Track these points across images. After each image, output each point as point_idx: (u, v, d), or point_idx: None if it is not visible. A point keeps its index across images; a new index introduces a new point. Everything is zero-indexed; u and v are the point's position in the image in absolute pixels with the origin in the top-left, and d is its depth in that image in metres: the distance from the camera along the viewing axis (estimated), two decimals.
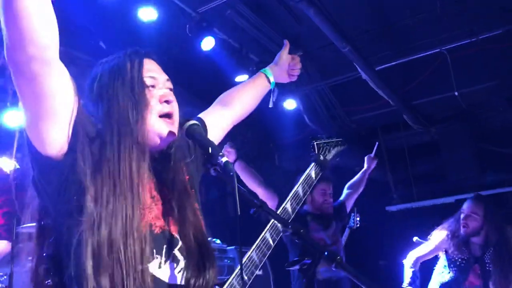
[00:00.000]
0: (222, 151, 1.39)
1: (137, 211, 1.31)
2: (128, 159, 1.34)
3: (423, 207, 7.53)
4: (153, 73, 1.52)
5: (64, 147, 1.27)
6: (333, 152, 2.38)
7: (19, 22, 1.14)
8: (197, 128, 1.46)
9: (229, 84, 5.60)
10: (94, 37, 4.71)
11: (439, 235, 4.13)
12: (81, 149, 1.29)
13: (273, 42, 5.42)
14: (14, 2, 1.12)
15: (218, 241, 5.93)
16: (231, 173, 1.32)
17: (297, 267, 1.28)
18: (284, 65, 2.20)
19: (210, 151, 1.38)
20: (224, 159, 1.34)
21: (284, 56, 2.21)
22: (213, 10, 4.64)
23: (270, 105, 2.14)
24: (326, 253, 1.19)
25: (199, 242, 1.44)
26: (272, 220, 1.76)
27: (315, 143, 2.34)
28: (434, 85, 6.28)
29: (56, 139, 1.26)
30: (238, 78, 5.39)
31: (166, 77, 1.56)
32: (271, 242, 1.72)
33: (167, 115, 1.48)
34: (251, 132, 7.31)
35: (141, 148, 1.39)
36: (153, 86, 1.49)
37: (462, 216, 3.99)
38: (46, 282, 1.32)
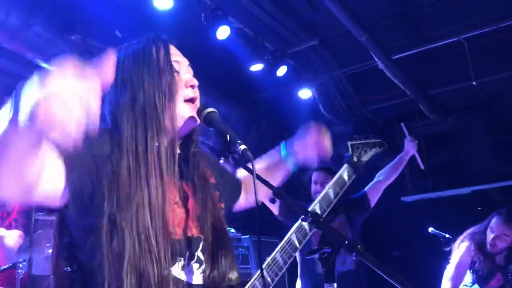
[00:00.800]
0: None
1: (166, 204, 1.28)
2: (157, 146, 1.31)
3: (439, 198, 7.46)
4: (177, 57, 1.49)
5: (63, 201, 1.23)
6: (370, 153, 2.27)
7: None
8: (215, 115, 1.43)
9: (243, 73, 5.64)
10: (110, 26, 4.72)
11: (463, 248, 4.05)
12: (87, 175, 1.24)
13: (289, 31, 5.38)
14: None
15: (232, 230, 5.97)
16: (250, 161, 1.30)
17: (316, 256, 1.26)
18: (308, 147, 1.89)
19: (228, 138, 1.35)
20: (242, 147, 1.32)
21: (308, 136, 1.90)
22: None
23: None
24: (346, 241, 1.16)
25: (217, 232, 1.43)
26: (299, 221, 1.72)
27: (349, 143, 2.23)
28: (452, 75, 6.19)
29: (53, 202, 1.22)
30: (253, 67, 5.37)
31: (188, 62, 1.53)
32: (297, 244, 1.68)
33: (191, 100, 1.45)
34: (266, 122, 7.30)
35: (170, 136, 1.37)
36: (178, 71, 1.46)
37: (491, 234, 3.92)
38: (65, 269, 1.29)
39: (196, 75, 1.52)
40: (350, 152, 2.20)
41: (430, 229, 4.91)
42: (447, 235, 4.83)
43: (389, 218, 7.19)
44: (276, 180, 1.85)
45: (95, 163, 1.25)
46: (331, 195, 1.95)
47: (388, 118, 7.43)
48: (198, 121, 1.45)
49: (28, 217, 4.78)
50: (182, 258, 1.33)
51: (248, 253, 6.08)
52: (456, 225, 4.80)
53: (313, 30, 5.57)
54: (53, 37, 4.23)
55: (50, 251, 3.86)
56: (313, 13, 5.18)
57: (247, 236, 5.96)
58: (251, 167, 1.30)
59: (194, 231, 1.39)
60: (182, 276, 1.32)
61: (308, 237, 1.71)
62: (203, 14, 4.53)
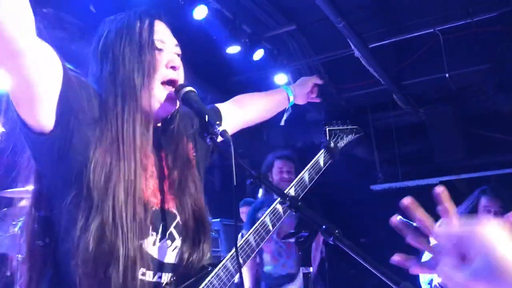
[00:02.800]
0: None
1: (140, 179, 1.29)
2: (132, 124, 1.30)
3: (408, 187, 7.61)
4: (162, 36, 1.44)
5: (51, 122, 1.21)
6: (346, 139, 2.29)
7: None
8: (193, 95, 1.39)
9: (220, 55, 5.58)
10: (84, 1, 4.59)
11: None
12: (75, 125, 1.24)
13: (267, 14, 5.34)
14: None
15: None
16: (228, 142, 1.28)
17: (293, 239, 1.26)
18: (306, 89, 2.20)
19: (207, 119, 1.33)
20: (221, 128, 1.30)
21: (310, 82, 2.22)
22: None
23: (282, 123, 2.12)
24: (324, 226, 1.16)
25: (197, 216, 1.42)
26: (273, 205, 1.73)
27: (327, 128, 2.25)
28: (426, 66, 6.27)
29: (45, 117, 1.20)
30: (230, 49, 5.31)
31: (175, 41, 1.49)
32: (270, 227, 1.69)
33: (171, 82, 1.42)
34: None
35: (146, 115, 1.36)
36: (161, 50, 1.42)
37: (488, 212, 3.99)
38: (38, 242, 1.29)
39: None
40: (327, 138, 2.22)
41: (398, 218, 5.01)
42: (414, 224, 4.94)
43: (359, 205, 7.32)
44: (271, 111, 2.06)
45: (83, 114, 1.27)
46: (307, 180, 1.96)
47: (361, 106, 7.50)
48: (177, 105, 1.43)
49: None
50: (155, 233, 1.33)
51: (218, 237, 6.10)
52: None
53: (291, 14, 5.54)
54: None
55: (16, 229, 3.79)
56: None
57: (218, 219, 5.97)
58: (230, 148, 1.29)
59: (170, 205, 1.39)
60: (153, 251, 1.32)
61: (282, 220, 1.72)
62: None
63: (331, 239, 1.16)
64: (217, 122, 1.32)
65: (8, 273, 4.07)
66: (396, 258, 0.94)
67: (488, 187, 4.10)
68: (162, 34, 1.45)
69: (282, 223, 1.74)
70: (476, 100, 6.89)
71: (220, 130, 1.30)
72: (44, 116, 1.20)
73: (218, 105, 1.79)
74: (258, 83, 6.51)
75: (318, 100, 2.28)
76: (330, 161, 2.12)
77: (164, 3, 4.58)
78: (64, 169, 1.24)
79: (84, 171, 1.22)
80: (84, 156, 1.23)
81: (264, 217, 1.70)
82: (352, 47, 5.51)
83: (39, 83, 1.16)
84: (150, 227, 1.30)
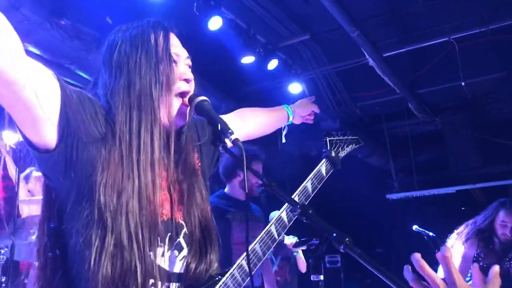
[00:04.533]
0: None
1: (157, 194, 1.28)
2: (150, 137, 1.30)
3: (424, 197, 7.54)
4: (176, 48, 1.45)
5: (55, 139, 1.20)
6: (347, 149, 2.34)
7: None
8: (207, 104, 1.41)
9: (234, 65, 5.62)
10: (101, 12, 4.67)
11: (465, 244, 4.03)
12: (79, 142, 1.23)
13: (281, 24, 5.36)
14: None
15: None
16: (240, 151, 1.29)
17: (304, 247, 1.26)
18: (305, 112, 2.34)
19: (219, 127, 1.35)
20: (233, 136, 1.32)
21: (309, 108, 2.37)
22: None
23: (283, 141, 2.23)
24: (334, 234, 1.17)
25: (203, 226, 1.43)
26: (279, 214, 1.74)
27: (327, 139, 2.29)
28: (441, 74, 6.23)
29: (48, 135, 1.19)
30: (244, 60, 5.35)
31: (187, 53, 1.49)
32: (276, 235, 1.70)
33: (184, 94, 1.43)
34: None
35: (164, 127, 1.36)
36: (175, 62, 1.43)
37: (504, 226, 3.93)
38: (49, 254, 1.30)
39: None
40: (328, 148, 2.26)
41: (414, 227, 4.96)
42: (430, 233, 4.89)
43: (374, 215, 7.26)
44: (271, 126, 2.18)
45: (84, 126, 1.25)
46: (310, 189, 1.98)
47: (376, 115, 7.47)
48: (187, 118, 1.44)
49: (12, 202, 4.72)
50: (163, 244, 1.34)
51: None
52: (439, 224, 4.85)
53: (305, 24, 5.56)
54: (42, 21, 4.16)
55: (33, 237, 3.84)
56: (306, 7, 5.17)
57: None
58: (242, 157, 1.30)
59: (178, 216, 1.39)
60: (161, 262, 1.32)
61: (287, 229, 1.73)
62: (195, 4, 4.49)
63: (342, 247, 1.16)
64: (230, 131, 1.33)
65: (26, 281, 4.12)
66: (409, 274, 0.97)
67: (508, 200, 4.03)
68: (177, 47, 1.46)
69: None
70: (492, 108, 6.83)
71: (233, 139, 1.32)
72: (47, 134, 1.19)
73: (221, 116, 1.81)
74: (272, 92, 6.52)
75: (311, 122, 2.42)
76: (332, 170, 2.15)
77: (179, 14, 4.64)
78: (73, 187, 1.23)
79: (94, 190, 1.21)
80: (91, 175, 1.22)
81: (270, 226, 1.70)
82: (367, 56, 5.50)
83: (37, 106, 1.13)
84: (159, 238, 1.30)
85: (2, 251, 3.88)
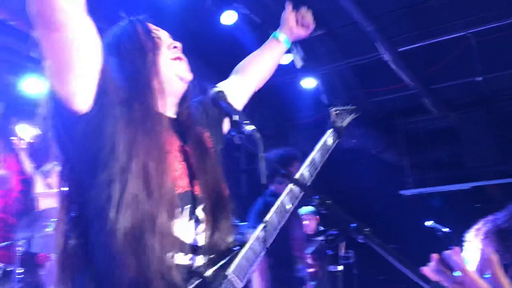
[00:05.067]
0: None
1: (165, 165, 1.34)
2: (150, 112, 1.37)
3: (438, 193, 7.47)
4: (156, 30, 1.56)
5: (89, 102, 1.25)
6: (347, 119, 2.37)
7: None
8: (222, 95, 1.45)
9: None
10: (115, 8, 4.69)
11: (484, 241, 3.98)
12: (109, 106, 1.29)
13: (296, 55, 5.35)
14: None
15: None
16: (257, 141, 1.30)
17: (322, 237, 1.27)
18: (291, 22, 2.19)
19: (235, 118, 1.36)
20: (250, 127, 1.32)
21: (286, 14, 2.22)
22: None
23: (298, 66, 2.13)
24: (353, 224, 1.16)
25: (220, 198, 1.47)
26: (289, 186, 1.75)
27: (331, 109, 2.32)
28: (457, 70, 6.15)
29: (80, 91, 1.23)
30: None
31: (168, 33, 1.59)
32: (287, 206, 1.71)
33: (179, 58, 1.52)
34: (268, 110, 7.28)
35: (162, 96, 1.43)
36: (159, 38, 1.53)
37: None
38: (69, 241, 1.32)
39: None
40: (333, 118, 2.29)
41: (428, 223, 4.92)
42: (445, 229, 4.84)
43: (387, 211, 7.22)
44: (271, 62, 2.08)
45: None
46: (317, 160, 1.99)
47: (390, 111, 7.41)
48: (188, 77, 1.51)
49: (28, 196, 4.80)
50: (182, 215, 1.37)
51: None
52: (454, 220, 4.80)
53: (319, 19, 5.51)
54: None
55: (49, 229, 3.90)
56: (320, 2, 5.14)
57: (246, 223, 5.97)
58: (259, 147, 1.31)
59: (196, 188, 1.44)
60: (182, 233, 1.36)
61: (298, 200, 1.74)
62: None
63: (361, 237, 1.15)
64: (246, 121, 1.34)
65: (43, 272, 4.18)
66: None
67: None
68: (156, 29, 1.56)
69: None
70: (508, 104, 6.73)
71: (250, 129, 1.32)
72: (81, 89, 1.23)
73: (222, 84, 1.84)
74: (286, 87, 6.51)
75: (309, 30, 2.27)
76: (337, 141, 2.18)
77: (194, 9, 4.64)
78: (92, 152, 1.27)
79: (114, 151, 1.27)
80: (112, 137, 1.28)
81: (283, 198, 1.71)
82: (381, 51, 5.46)
83: (84, 46, 1.22)
84: (179, 210, 1.35)
85: (20, 243, 3.95)
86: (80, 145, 1.28)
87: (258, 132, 1.32)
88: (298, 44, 2.13)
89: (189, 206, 1.40)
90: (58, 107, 1.25)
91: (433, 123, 7.39)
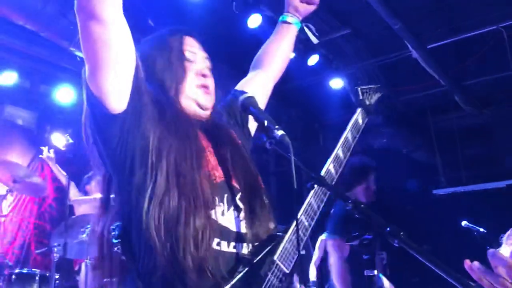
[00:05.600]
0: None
1: (198, 158, 1.38)
2: (180, 112, 1.44)
3: (472, 192, 7.29)
4: (194, 48, 1.57)
5: (124, 102, 1.30)
6: (375, 97, 2.36)
7: None
8: (253, 101, 1.46)
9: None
10: (143, 15, 4.77)
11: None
12: (143, 105, 1.34)
13: (321, 19, 5.31)
14: None
15: None
16: (288, 146, 1.31)
17: (357, 242, 1.25)
18: (294, 0, 2.06)
19: (266, 124, 1.37)
20: (280, 132, 1.33)
21: None
22: None
23: (315, 42, 2.10)
24: (388, 228, 1.14)
25: (254, 188, 1.50)
26: (316, 187, 1.74)
27: (359, 88, 2.31)
28: (489, 65, 6.00)
29: (116, 90, 1.29)
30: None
31: (206, 54, 1.60)
32: (316, 208, 1.71)
33: (204, 86, 1.54)
34: (295, 111, 7.25)
35: (185, 117, 1.47)
36: (191, 61, 1.54)
37: None
38: (115, 249, 1.37)
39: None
40: (361, 97, 2.28)
41: (464, 223, 4.81)
42: (481, 229, 4.72)
43: (421, 211, 7.08)
44: (286, 47, 2.02)
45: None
46: (350, 139, 2.01)
47: (421, 109, 7.28)
48: (208, 106, 1.54)
49: (63, 203, 4.92)
50: (222, 204, 1.40)
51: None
52: (489, 220, 4.68)
53: (345, 18, 5.48)
54: None
55: (84, 236, 3.98)
56: (346, 1, 5.10)
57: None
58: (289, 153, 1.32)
59: (231, 179, 1.48)
60: (223, 221, 1.38)
61: (324, 202, 1.73)
62: (234, 3, 4.52)
63: (396, 241, 1.13)
64: (276, 126, 1.35)
65: (78, 278, 4.27)
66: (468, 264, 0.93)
67: None
68: (193, 47, 1.58)
69: None
70: None
71: (279, 134, 1.33)
72: (118, 88, 1.29)
73: (241, 84, 1.86)
74: (313, 88, 6.48)
75: (315, 3, 2.08)
76: (367, 119, 2.18)
77: (219, 14, 4.68)
78: (130, 150, 1.32)
79: (148, 148, 1.32)
80: (146, 135, 1.33)
81: (310, 199, 1.70)
82: (410, 48, 5.37)
83: (122, 46, 1.28)
84: (217, 199, 1.38)
85: (56, 249, 4.04)
86: (117, 144, 1.32)
87: (287, 137, 1.32)
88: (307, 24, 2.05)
89: (226, 195, 1.43)
90: (95, 108, 1.30)
91: (466, 120, 7.23)
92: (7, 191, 4.66)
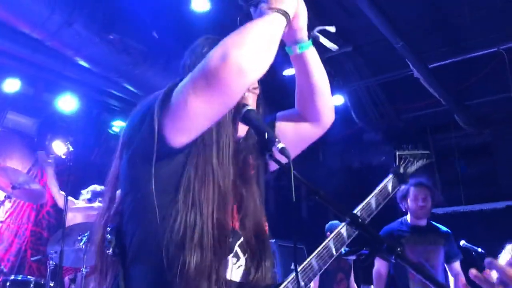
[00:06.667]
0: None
1: (228, 204, 1.36)
2: (223, 140, 1.39)
3: (471, 212, 7.28)
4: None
5: (186, 141, 1.31)
6: (417, 164, 2.23)
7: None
8: (254, 113, 1.43)
9: (276, 77, 5.64)
10: (148, 27, 4.81)
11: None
12: (197, 145, 1.34)
13: (323, 36, 5.35)
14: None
15: None
16: (288, 159, 1.29)
17: (353, 257, 1.26)
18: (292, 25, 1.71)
19: (266, 136, 1.34)
20: (280, 145, 1.30)
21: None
22: None
23: (335, 48, 1.73)
24: (385, 244, 1.15)
25: (258, 234, 1.45)
26: (338, 229, 1.71)
27: (397, 153, 2.19)
28: (489, 86, 6.04)
29: (187, 135, 1.30)
30: (286, 72, 5.37)
31: (256, 85, 1.59)
32: (333, 251, 1.67)
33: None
34: None
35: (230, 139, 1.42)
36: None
37: None
38: (107, 251, 1.36)
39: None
40: (397, 163, 2.16)
41: (462, 243, 4.79)
42: (479, 249, 4.71)
43: None
44: (312, 78, 1.66)
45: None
46: (373, 205, 1.90)
47: (421, 127, 7.31)
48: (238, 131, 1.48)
49: (60, 210, 4.91)
50: None
51: (274, 258, 6.07)
52: (487, 240, 4.66)
53: (347, 36, 5.53)
54: (92, 36, 4.34)
55: (81, 244, 3.97)
56: (348, 19, 5.15)
57: (273, 240, 5.95)
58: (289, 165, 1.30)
59: (236, 224, 1.42)
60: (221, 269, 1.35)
61: (345, 245, 1.69)
62: (238, 18, 4.56)
63: (393, 257, 1.14)
64: (277, 139, 1.32)
65: (73, 286, 4.25)
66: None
67: None
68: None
69: None
70: None
71: (280, 147, 1.30)
72: (188, 135, 1.30)
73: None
74: None
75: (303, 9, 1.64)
76: (398, 187, 2.04)
77: (223, 28, 4.71)
78: (167, 176, 1.31)
79: (186, 183, 1.30)
80: (189, 171, 1.32)
81: (328, 241, 1.67)
82: (411, 67, 5.41)
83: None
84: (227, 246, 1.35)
85: (52, 257, 4.03)
86: (161, 173, 1.31)
87: (288, 150, 1.30)
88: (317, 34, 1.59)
89: (230, 243, 1.38)
90: (159, 140, 1.28)
91: (466, 140, 7.25)
92: (5, 197, 4.66)
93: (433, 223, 4.29)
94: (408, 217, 4.21)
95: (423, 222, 4.15)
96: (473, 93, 6.27)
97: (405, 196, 4.20)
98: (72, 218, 4.74)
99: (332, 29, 1.67)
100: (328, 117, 1.70)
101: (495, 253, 4.11)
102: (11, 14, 3.97)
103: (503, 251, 3.98)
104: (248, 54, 1.22)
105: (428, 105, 6.54)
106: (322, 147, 7.82)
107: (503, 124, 6.75)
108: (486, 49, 5.42)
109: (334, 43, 1.73)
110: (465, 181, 7.33)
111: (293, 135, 1.66)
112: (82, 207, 4.90)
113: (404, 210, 4.25)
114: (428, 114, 6.79)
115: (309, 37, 1.65)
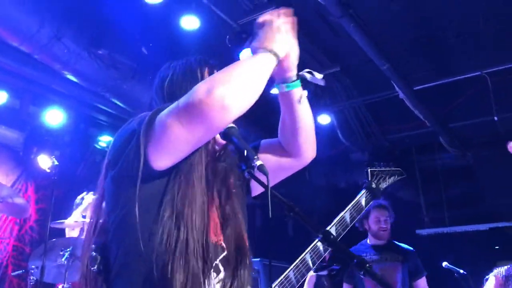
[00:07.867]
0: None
1: (211, 221, 1.39)
2: (199, 157, 1.41)
3: (455, 233, 7.34)
4: None
5: (169, 164, 1.34)
6: (389, 181, 2.32)
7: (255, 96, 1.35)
8: (234, 130, 1.46)
9: (264, 95, 5.67)
10: (137, 43, 4.84)
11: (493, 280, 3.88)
12: (180, 167, 1.37)
13: (311, 56, 5.44)
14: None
15: None
16: (266, 176, 1.31)
17: (325, 272, 1.30)
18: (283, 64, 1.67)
19: (245, 153, 1.38)
20: (258, 162, 1.33)
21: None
22: (254, 22, 4.70)
23: (323, 83, 1.73)
24: (355, 260, 1.19)
25: (240, 249, 1.47)
26: (314, 243, 1.75)
27: (369, 169, 2.29)
28: (473, 109, 6.16)
29: (170, 160, 1.33)
30: (274, 90, 5.40)
31: None
32: (310, 264, 1.71)
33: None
34: None
35: (211, 148, 1.47)
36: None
37: None
38: (92, 269, 1.37)
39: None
40: (369, 179, 2.25)
41: (444, 264, 4.83)
42: (461, 271, 4.74)
43: None
44: (298, 114, 1.69)
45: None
46: (348, 219, 1.97)
47: (406, 148, 7.39)
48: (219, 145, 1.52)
49: (43, 225, 4.85)
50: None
51: (258, 277, 6.03)
52: (471, 262, 4.70)
53: (334, 56, 5.62)
54: (81, 51, 4.35)
55: (63, 259, 3.92)
56: (336, 39, 5.23)
57: (258, 259, 5.92)
58: (266, 182, 1.32)
59: (220, 238, 1.44)
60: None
61: (322, 258, 1.74)
62: (227, 37, 4.61)
63: (362, 272, 1.18)
64: (255, 157, 1.35)
65: None
66: None
67: None
68: None
69: None
70: None
71: (258, 164, 1.33)
72: (172, 160, 1.33)
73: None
74: None
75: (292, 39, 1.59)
76: (371, 202, 2.14)
77: (212, 46, 4.76)
78: (150, 194, 1.34)
79: (166, 198, 1.33)
80: (172, 190, 1.35)
81: (305, 255, 1.71)
82: (397, 89, 5.50)
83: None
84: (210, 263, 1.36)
85: (32, 272, 3.97)
86: (143, 190, 1.33)
87: (266, 167, 1.32)
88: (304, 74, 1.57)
89: (212, 257, 1.39)
90: (144, 162, 1.31)
91: (450, 161, 7.34)
92: None
93: (395, 242, 4.36)
94: (368, 239, 4.31)
95: (382, 242, 4.25)
96: (457, 116, 6.38)
97: (366, 217, 4.24)
98: (73, 234, 4.67)
99: (319, 75, 1.70)
100: (309, 154, 1.75)
101: (478, 275, 4.16)
102: (0, 27, 3.98)
103: (489, 276, 4.00)
104: (232, 91, 1.26)
105: (413, 127, 6.64)
106: (308, 166, 7.74)
107: (486, 146, 6.86)
108: (470, 73, 5.54)
109: (322, 63, 1.80)
110: (449, 202, 7.41)
111: (273, 165, 1.65)
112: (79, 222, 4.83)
113: (361, 230, 4.30)
114: (413, 135, 6.88)
115: (297, 77, 1.65)
